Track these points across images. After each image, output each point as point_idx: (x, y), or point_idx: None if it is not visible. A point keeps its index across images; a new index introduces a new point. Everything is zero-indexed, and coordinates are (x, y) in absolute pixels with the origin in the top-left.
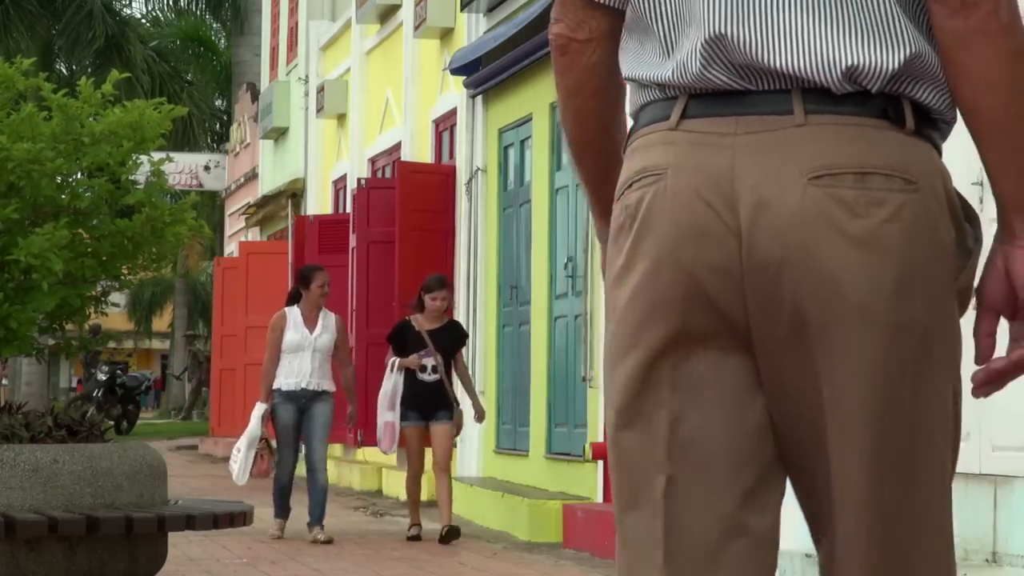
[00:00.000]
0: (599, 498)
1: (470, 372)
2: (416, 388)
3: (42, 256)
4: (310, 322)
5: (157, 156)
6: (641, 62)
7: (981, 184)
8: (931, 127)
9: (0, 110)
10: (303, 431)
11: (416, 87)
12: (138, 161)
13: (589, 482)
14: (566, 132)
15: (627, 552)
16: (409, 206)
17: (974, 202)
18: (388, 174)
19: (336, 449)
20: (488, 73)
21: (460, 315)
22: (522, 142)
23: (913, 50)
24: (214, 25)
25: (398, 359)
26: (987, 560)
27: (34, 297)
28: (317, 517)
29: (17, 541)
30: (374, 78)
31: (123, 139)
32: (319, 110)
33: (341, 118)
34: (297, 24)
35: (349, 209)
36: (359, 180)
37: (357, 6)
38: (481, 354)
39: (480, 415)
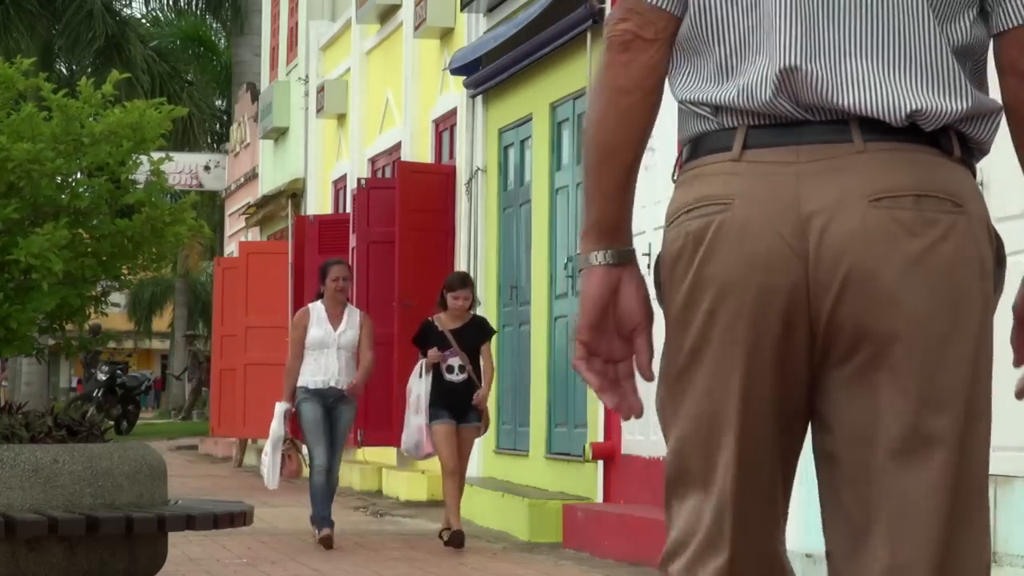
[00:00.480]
0: (599, 498)
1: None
2: (444, 388)
3: (42, 256)
4: (334, 318)
5: (157, 156)
6: (696, 85)
7: (981, 184)
8: (971, 155)
9: (0, 110)
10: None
11: (416, 87)
12: (138, 161)
13: (589, 482)
14: (600, 133)
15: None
16: (409, 206)
17: None
18: (388, 174)
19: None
20: (488, 73)
21: None
22: (522, 142)
23: (970, 103)
24: (214, 25)
25: (424, 361)
26: None
27: (34, 297)
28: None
29: (17, 541)
30: (374, 78)
31: (123, 139)
32: (319, 110)
33: (341, 118)
34: (297, 24)
35: (349, 209)
36: (359, 180)
37: (357, 6)
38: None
39: (481, 401)
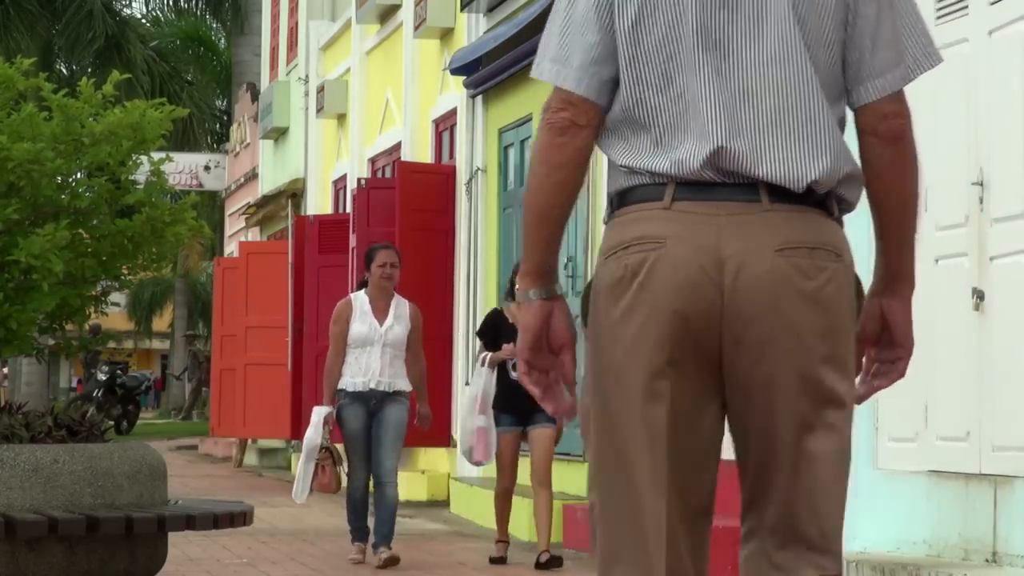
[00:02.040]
0: None
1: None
2: (510, 388)
3: (42, 256)
4: (380, 311)
5: (157, 156)
6: (633, 153)
7: (981, 184)
8: (842, 214)
9: (0, 110)
10: (372, 437)
11: (416, 87)
12: (138, 161)
13: None
14: (538, 199)
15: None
16: (409, 206)
17: (974, 202)
18: (388, 174)
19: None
20: (488, 73)
21: (460, 315)
22: (522, 142)
23: (851, 166)
24: (214, 25)
25: (489, 355)
26: (987, 560)
27: (34, 297)
28: (384, 536)
29: (17, 541)
30: (374, 78)
31: (123, 139)
32: (319, 110)
33: (341, 118)
34: (297, 24)
35: (349, 209)
36: (359, 180)
37: (357, 6)
38: None
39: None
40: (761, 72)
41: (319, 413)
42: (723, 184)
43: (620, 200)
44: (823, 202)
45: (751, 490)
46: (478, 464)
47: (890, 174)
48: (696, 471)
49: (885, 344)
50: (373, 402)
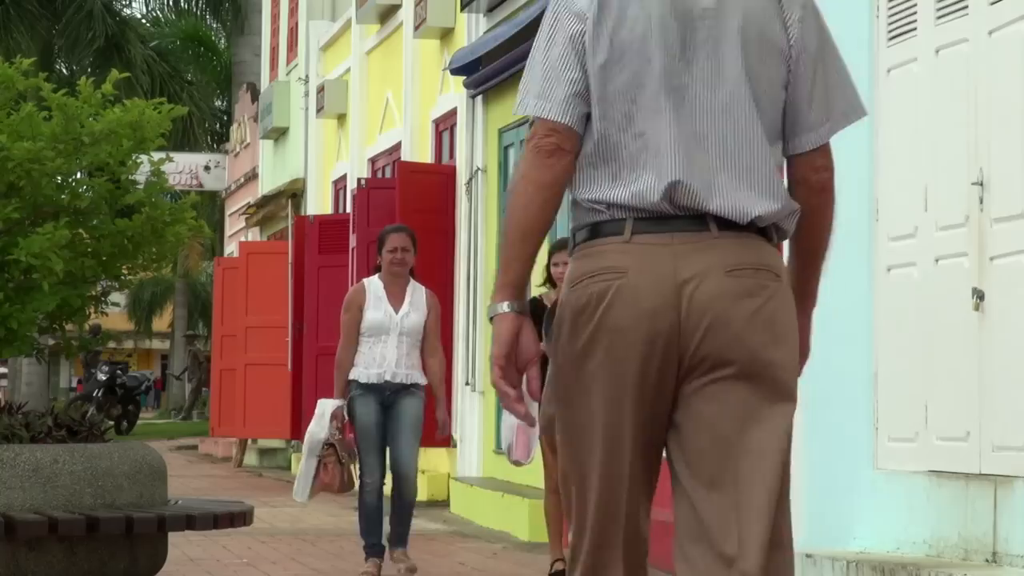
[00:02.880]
0: None
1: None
2: None
3: (42, 256)
4: (395, 298)
5: (157, 156)
6: (595, 186)
7: (981, 184)
8: (780, 240)
9: (0, 110)
10: (388, 432)
11: (416, 87)
12: (138, 161)
13: None
14: (524, 217)
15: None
16: (409, 206)
17: (974, 202)
18: (388, 174)
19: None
20: (488, 73)
21: (460, 315)
22: (522, 142)
23: (788, 204)
24: (214, 25)
25: None
26: (987, 560)
27: (34, 297)
28: (400, 536)
29: (17, 541)
30: (374, 78)
31: (123, 139)
32: (319, 110)
33: (341, 118)
34: (297, 24)
35: (349, 209)
36: (359, 180)
37: (357, 6)
38: (481, 354)
39: None
40: (714, 119)
41: (324, 405)
42: (676, 216)
43: (584, 235)
44: (764, 231)
45: (691, 488)
46: (517, 464)
47: (814, 217)
48: (649, 472)
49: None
50: (387, 394)
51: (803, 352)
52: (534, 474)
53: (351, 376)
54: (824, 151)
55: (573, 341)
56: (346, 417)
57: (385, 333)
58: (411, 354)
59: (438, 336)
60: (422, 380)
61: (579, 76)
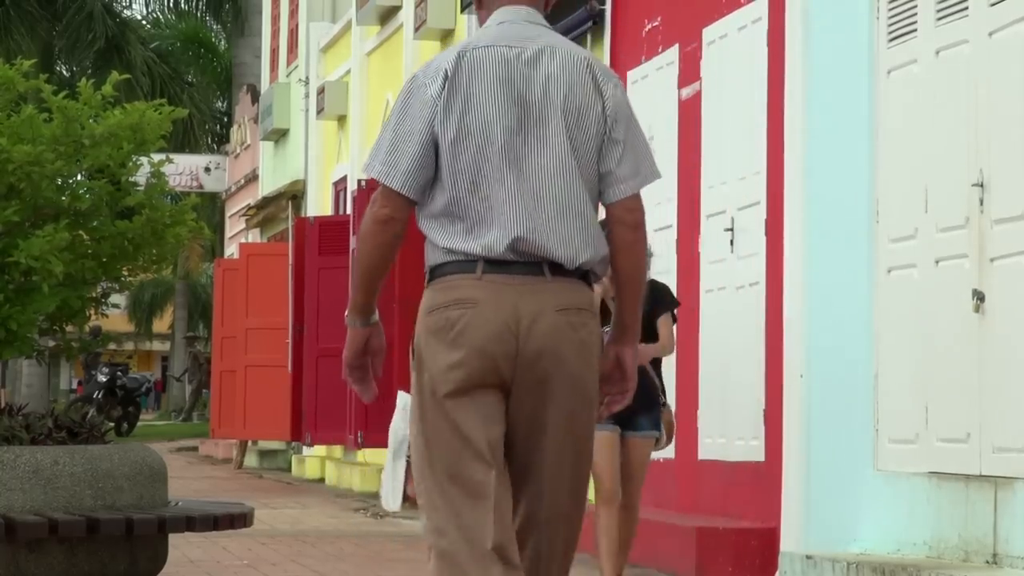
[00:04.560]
0: None
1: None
2: None
3: (42, 258)
4: None
5: (157, 158)
6: (451, 238)
7: (981, 185)
8: (594, 282)
9: (0, 111)
10: None
11: None
12: (138, 163)
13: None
14: (368, 263)
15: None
16: None
17: (974, 203)
18: None
19: (336, 451)
20: None
21: None
22: None
23: (604, 252)
24: (214, 27)
25: None
26: (988, 561)
27: (34, 299)
28: None
29: (17, 543)
30: (374, 80)
31: (123, 141)
32: (319, 112)
33: (341, 119)
34: (297, 26)
35: (349, 210)
36: (359, 181)
37: (357, 7)
38: None
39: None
40: (546, 183)
41: (405, 397)
42: (518, 262)
43: (439, 271)
44: (584, 275)
45: (516, 475)
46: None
47: (629, 251)
48: (500, 451)
49: (616, 380)
50: None
51: (628, 378)
52: None
53: None
54: (635, 197)
55: (433, 360)
56: None
57: None
58: None
59: None
60: None
61: (422, 152)
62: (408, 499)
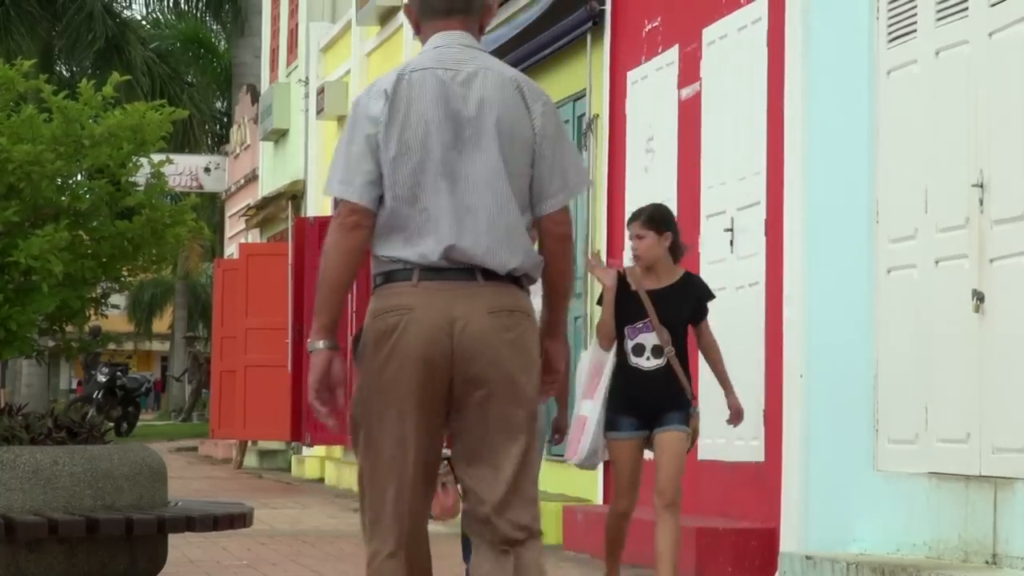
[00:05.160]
0: (599, 500)
1: None
2: (631, 380)
3: (42, 258)
4: None
5: (157, 158)
6: (391, 247)
7: (981, 186)
8: (528, 286)
9: (0, 111)
10: None
11: None
12: (138, 163)
13: (589, 484)
14: (333, 275)
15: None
16: None
17: (974, 204)
18: None
19: (336, 451)
20: None
21: None
22: None
23: (535, 258)
24: (214, 27)
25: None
26: (987, 562)
27: (34, 299)
28: None
29: (17, 543)
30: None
31: (123, 141)
32: (319, 112)
33: (341, 120)
34: (297, 26)
35: None
36: None
37: (357, 8)
38: None
39: (737, 415)
40: (479, 195)
41: None
42: (452, 269)
43: (382, 279)
44: (517, 280)
45: (464, 463)
46: (582, 465)
47: (557, 260)
48: (432, 458)
49: (548, 371)
50: None
51: (557, 369)
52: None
53: None
54: (563, 210)
55: (373, 361)
56: None
57: None
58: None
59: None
60: None
61: (373, 168)
62: (432, 518)
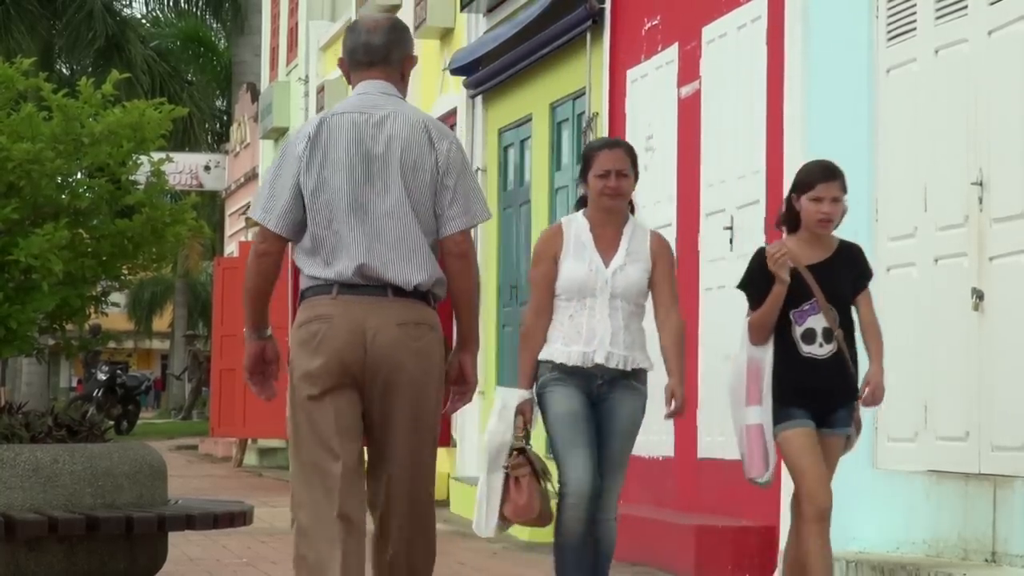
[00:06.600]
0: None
1: None
2: (799, 369)
3: (42, 256)
4: (604, 242)
5: (157, 156)
6: (313, 266)
7: (981, 184)
8: (436, 303)
9: (0, 110)
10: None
11: (416, 87)
12: (138, 161)
13: None
14: (253, 287)
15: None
16: None
17: (973, 202)
18: None
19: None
20: (488, 73)
21: None
22: (522, 142)
23: (439, 276)
24: (214, 25)
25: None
26: (987, 560)
27: (34, 297)
28: None
29: (17, 541)
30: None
31: (123, 139)
32: (319, 110)
33: None
34: (297, 24)
35: None
36: None
37: (357, 6)
38: (481, 354)
39: (876, 393)
40: (385, 222)
41: (506, 396)
42: (365, 285)
43: (306, 294)
44: (424, 296)
45: (371, 464)
46: (756, 483)
47: (459, 278)
48: (352, 443)
49: (460, 382)
50: (599, 384)
51: (467, 379)
52: None
53: (542, 356)
54: (462, 232)
55: (299, 366)
56: (537, 412)
57: (590, 294)
58: (632, 323)
59: (674, 300)
60: (647, 364)
61: (291, 199)
62: (504, 519)
